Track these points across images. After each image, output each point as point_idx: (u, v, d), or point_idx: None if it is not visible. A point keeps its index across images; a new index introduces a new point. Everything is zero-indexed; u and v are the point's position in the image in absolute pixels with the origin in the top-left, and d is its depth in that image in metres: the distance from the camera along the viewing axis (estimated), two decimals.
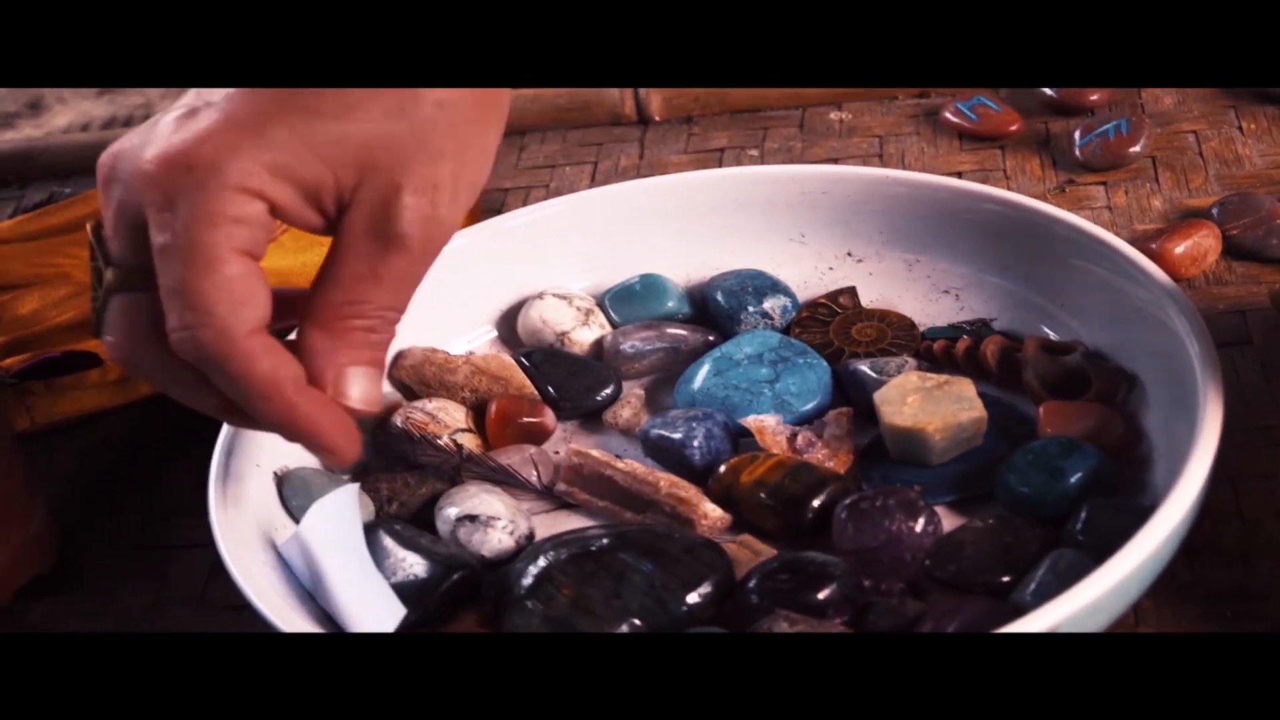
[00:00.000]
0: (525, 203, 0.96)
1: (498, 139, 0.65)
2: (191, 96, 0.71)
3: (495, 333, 0.85)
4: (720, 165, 0.99)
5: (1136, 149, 0.91)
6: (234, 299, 0.59)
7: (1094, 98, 0.96)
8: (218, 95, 0.62)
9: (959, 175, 0.93)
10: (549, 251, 0.85)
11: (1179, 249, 0.82)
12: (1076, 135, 0.93)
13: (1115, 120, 0.92)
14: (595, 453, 0.74)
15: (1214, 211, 0.85)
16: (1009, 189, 0.90)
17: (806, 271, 0.85)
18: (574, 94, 1.06)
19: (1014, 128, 0.96)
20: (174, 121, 0.60)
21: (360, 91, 0.60)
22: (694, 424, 0.74)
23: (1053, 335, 0.77)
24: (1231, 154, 0.91)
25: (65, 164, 1.09)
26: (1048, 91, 0.97)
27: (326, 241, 0.63)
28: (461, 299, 0.84)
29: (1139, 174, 0.91)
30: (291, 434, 0.63)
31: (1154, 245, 0.81)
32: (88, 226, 0.64)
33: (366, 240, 0.61)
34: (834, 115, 1.02)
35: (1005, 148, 0.95)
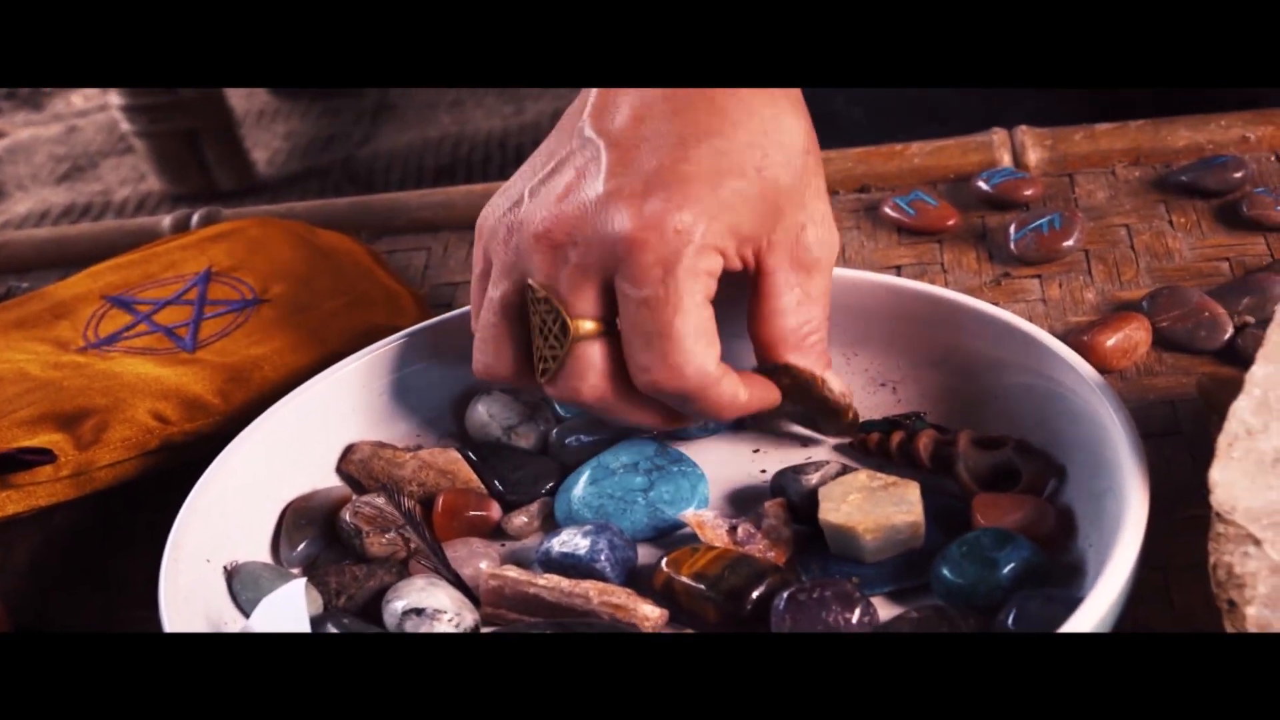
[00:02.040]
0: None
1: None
2: (537, 166, 0.77)
3: (443, 427, 0.86)
4: None
5: (1070, 243, 0.93)
6: (709, 339, 0.72)
7: (1028, 193, 0.99)
8: (588, 160, 0.74)
9: (898, 269, 0.95)
10: None
11: (1110, 341, 0.83)
12: (1012, 229, 0.95)
13: (1049, 215, 0.94)
14: (512, 572, 0.73)
15: (1145, 304, 0.87)
16: (946, 282, 0.92)
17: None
18: None
19: (951, 222, 0.98)
20: (611, 192, 0.71)
21: (756, 150, 0.73)
22: (595, 538, 0.74)
23: (985, 428, 0.79)
24: (1162, 247, 0.93)
25: (23, 258, 1.09)
26: (984, 186, 0.99)
27: None
28: (409, 395, 0.85)
29: (1072, 267, 0.93)
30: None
31: (1086, 337, 0.83)
32: (533, 285, 0.73)
33: (791, 271, 0.75)
34: None
35: (943, 242, 0.97)
